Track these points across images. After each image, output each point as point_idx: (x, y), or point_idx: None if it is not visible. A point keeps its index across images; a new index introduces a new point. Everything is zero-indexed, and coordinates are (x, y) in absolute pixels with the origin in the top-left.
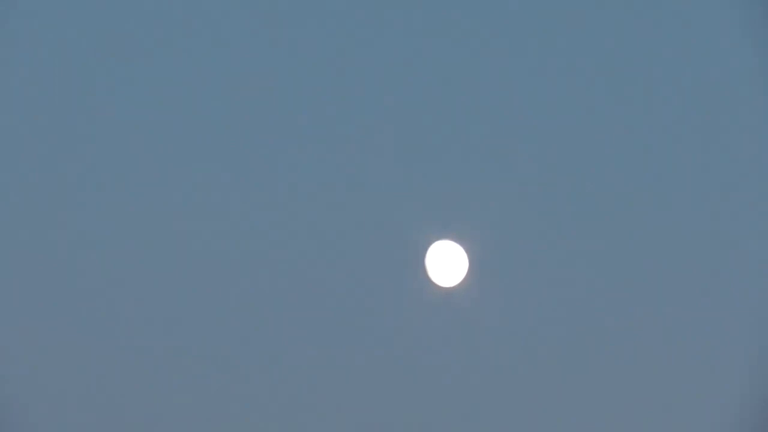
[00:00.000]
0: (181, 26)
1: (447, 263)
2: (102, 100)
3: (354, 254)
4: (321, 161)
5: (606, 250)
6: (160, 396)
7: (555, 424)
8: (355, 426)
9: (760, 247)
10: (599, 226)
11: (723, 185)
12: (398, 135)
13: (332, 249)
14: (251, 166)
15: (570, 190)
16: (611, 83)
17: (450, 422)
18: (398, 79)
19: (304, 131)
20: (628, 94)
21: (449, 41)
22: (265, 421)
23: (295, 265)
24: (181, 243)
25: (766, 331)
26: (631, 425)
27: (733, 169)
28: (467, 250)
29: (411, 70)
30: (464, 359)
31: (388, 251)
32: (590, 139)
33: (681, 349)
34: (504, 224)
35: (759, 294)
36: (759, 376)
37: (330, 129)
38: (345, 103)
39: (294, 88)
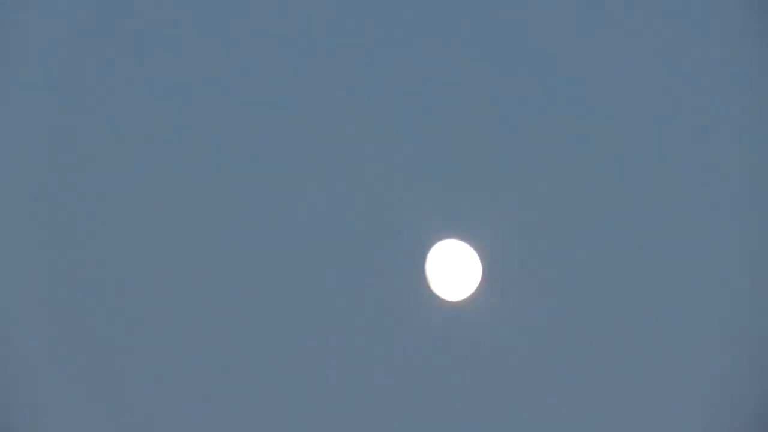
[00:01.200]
0: (186, 28)
1: (454, 270)
2: (112, 99)
3: (342, 257)
4: (318, 155)
5: (650, 258)
6: (159, 398)
7: None
8: None
9: (762, 249)
10: (635, 225)
11: (733, 192)
12: (399, 124)
13: (323, 251)
14: (247, 165)
15: (602, 186)
16: (627, 82)
17: None
18: (400, 73)
19: (299, 128)
20: (643, 91)
21: (452, 37)
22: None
23: (277, 277)
24: (177, 246)
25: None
26: None
27: (739, 175)
28: (480, 254)
29: (413, 65)
30: (475, 391)
31: (380, 254)
32: (610, 132)
33: (710, 365)
34: (526, 221)
35: (760, 297)
36: (760, 377)
37: (326, 121)
38: (342, 95)
39: (292, 86)
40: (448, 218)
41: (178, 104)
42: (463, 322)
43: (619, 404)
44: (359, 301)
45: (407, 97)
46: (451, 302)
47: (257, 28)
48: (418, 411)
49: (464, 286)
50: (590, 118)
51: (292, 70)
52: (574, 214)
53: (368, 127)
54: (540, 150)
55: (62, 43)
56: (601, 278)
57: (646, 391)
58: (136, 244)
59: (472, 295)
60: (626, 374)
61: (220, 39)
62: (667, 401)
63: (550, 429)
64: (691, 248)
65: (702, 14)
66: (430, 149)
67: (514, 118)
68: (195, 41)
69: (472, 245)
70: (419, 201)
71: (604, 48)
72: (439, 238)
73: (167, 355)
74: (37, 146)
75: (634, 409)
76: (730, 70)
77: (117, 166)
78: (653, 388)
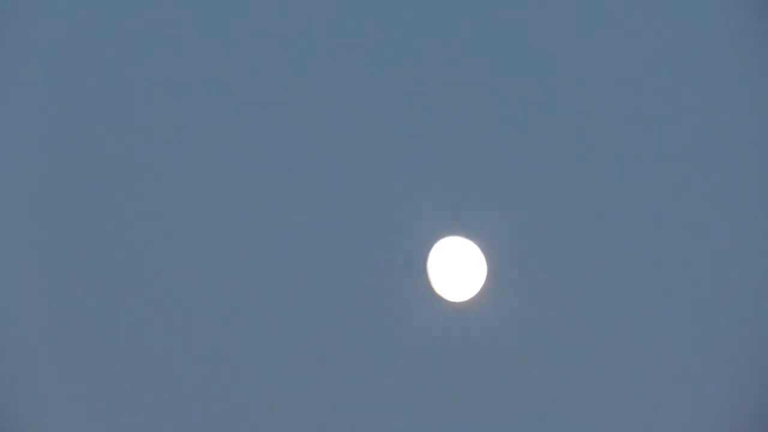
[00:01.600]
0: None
1: (457, 269)
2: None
3: (339, 256)
4: (317, 148)
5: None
6: (159, 398)
7: None
8: None
9: (763, 250)
10: (644, 223)
11: (733, 192)
12: (401, 116)
13: (321, 249)
14: (247, 163)
15: (611, 184)
16: (630, 81)
17: None
18: (402, 67)
19: (299, 126)
20: (645, 91)
21: (455, 33)
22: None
23: (275, 276)
24: (178, 246)
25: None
26: None
27: (740, 175)
28: (485, 253)
29: (416, 59)
30: (478, 395)
31: (379, 252)
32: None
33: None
34: (533, 217)
35: (760, 298)
36: (760, 377)
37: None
38: (343, 91)
39: (293, 85)
40: (451, 214)
41: (179, 104)
42: (467, 324)
43: (623, 405)
44: (357, 302)
45: (408, 89)
46: (454, 303)
47: (258, 28)
48: (419, 416)
49: (468, 286)
50: (597, 114)
51: (293, 69)
52: (582, 212)
53: (369, 119)
54: (548, 145)
55: (62, 43)
56: (610, 279)
57: (649, 391)
58: (136, 244)
59: (477, 295)
60: (631, 376)
61: (222, 39)
62: (669, 401)
63: None
64: (694, 248)
65: (702, 14)
66: (433, 143)
67: (521, 111)
68: (196, 41)
69: (476, 243)
70: (421, 196)
71: (606, 47)
72: (442, 236)
73: (168, 354)
74: (37, 145)
75: (636, 410)
76: (730, 70)
77: (117, 166)
78: (656, 389)
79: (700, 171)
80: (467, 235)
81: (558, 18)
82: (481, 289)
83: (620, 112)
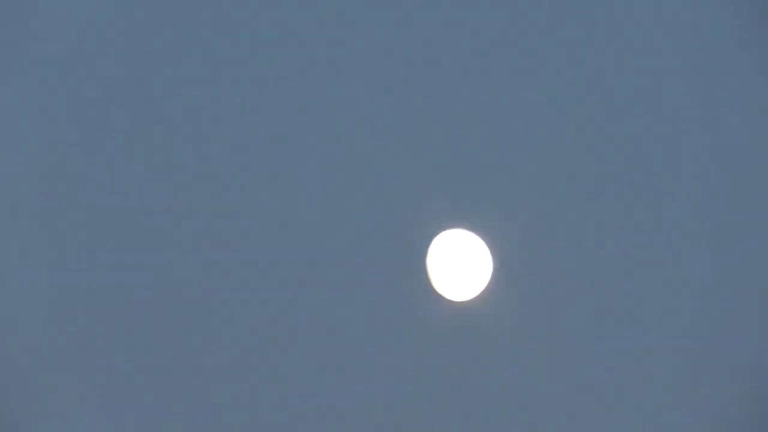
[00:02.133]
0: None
1: (460, 265)
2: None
3: (331, 251)
4: (311, 134)
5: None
6: (159, 400)
7: None
8: None
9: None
10: (660, 217)
11: (739, 194)
12: (399, 97)
13: (311, 245)
14: (245, 153)
15: (627, 175)
16: (636, 75)
17: None
18: (402, 53)
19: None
20: (652, 84)
21: (458, 22)
22: None
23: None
24: (178, 243)
25: None
26: None
27: (746, 176)
28: (491, 247)
29: (416, 45)
30: (482, 405)
31: (374, 245)
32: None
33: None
34: (544, 208)
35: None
36: (759, 377)
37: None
38: (340, 78)
39: (290, 73)
40: (452, 204)
41: (178, 104)
42: (470, 325)
43: (629, 408)
44: (350, 301)
45: (409, 73)
46: (455, 302)
47: (254, 22)
48: (418, 425)
49: (471, 283)
50: (613, 103)
51: (293, 68)
52: (598, 205)
53: (366, 104)
54: (560, 131)
55: (62, 42)
56: (627, 276)
57: (657, 393)
58: (137, 243)
59: (481, 294)
60: (642, 380)
61: (222, 39)
62: (676, 401)
63: None
64: (705, 246)
65: (701, 14)
66: (433, 126)
67: (533, 92)
68: (197, 41)
69: (481, 236)
70: (419, 184)
71: (614, 43)
72: (443, 228)
73: (168, 354)
74: (37, 144)
75: (643, 412)
76: (732, 70)
77: (116, 165)
78: (665, 390)
79: (710, 168)
80: (471, 228)
81: (565, 17)
82: (486, 288)
83: (634, 105)
